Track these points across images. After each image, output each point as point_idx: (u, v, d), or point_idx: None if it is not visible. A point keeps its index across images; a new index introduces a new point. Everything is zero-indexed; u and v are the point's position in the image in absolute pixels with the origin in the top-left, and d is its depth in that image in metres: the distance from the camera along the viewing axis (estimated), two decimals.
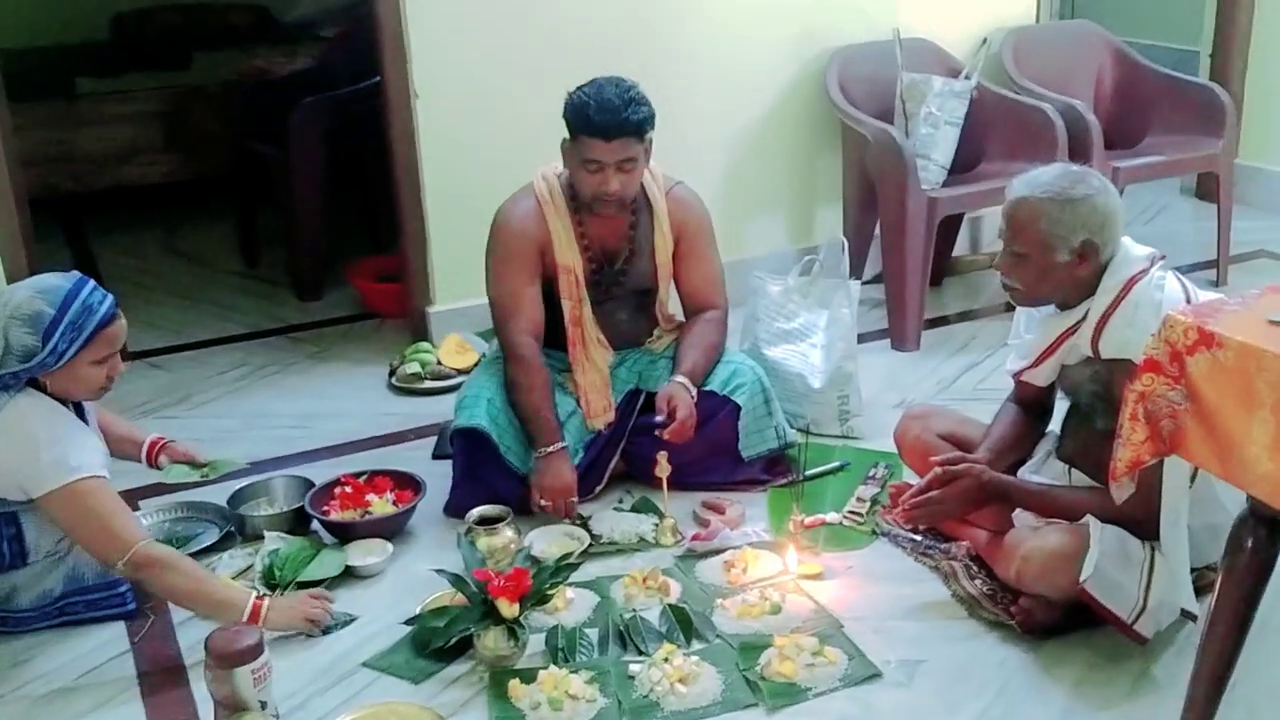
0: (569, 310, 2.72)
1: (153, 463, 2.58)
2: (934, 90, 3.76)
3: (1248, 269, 4.20)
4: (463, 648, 2.21)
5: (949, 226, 3.99)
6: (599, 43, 3.58)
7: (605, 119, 2.51)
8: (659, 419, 2.67)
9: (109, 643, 2.32)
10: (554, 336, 2.75)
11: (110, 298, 2.24)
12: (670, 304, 2.90)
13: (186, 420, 3.29)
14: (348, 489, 2.67)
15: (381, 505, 2.64)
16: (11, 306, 2.16)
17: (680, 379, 2.69)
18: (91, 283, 2.23)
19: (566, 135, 2.62)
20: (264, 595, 2.28)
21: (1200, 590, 2.13)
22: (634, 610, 2.33)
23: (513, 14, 3.52)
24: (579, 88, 2.60)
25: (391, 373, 3.53)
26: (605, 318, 2.78)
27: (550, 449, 2.62)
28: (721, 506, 2.68)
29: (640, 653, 2.21)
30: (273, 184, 4.37)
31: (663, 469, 2.63)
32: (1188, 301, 2.08)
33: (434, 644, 2.20)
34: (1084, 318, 2.17)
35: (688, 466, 2.71)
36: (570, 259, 2.71)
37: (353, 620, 2.35)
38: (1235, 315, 1.62)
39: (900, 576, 2.45)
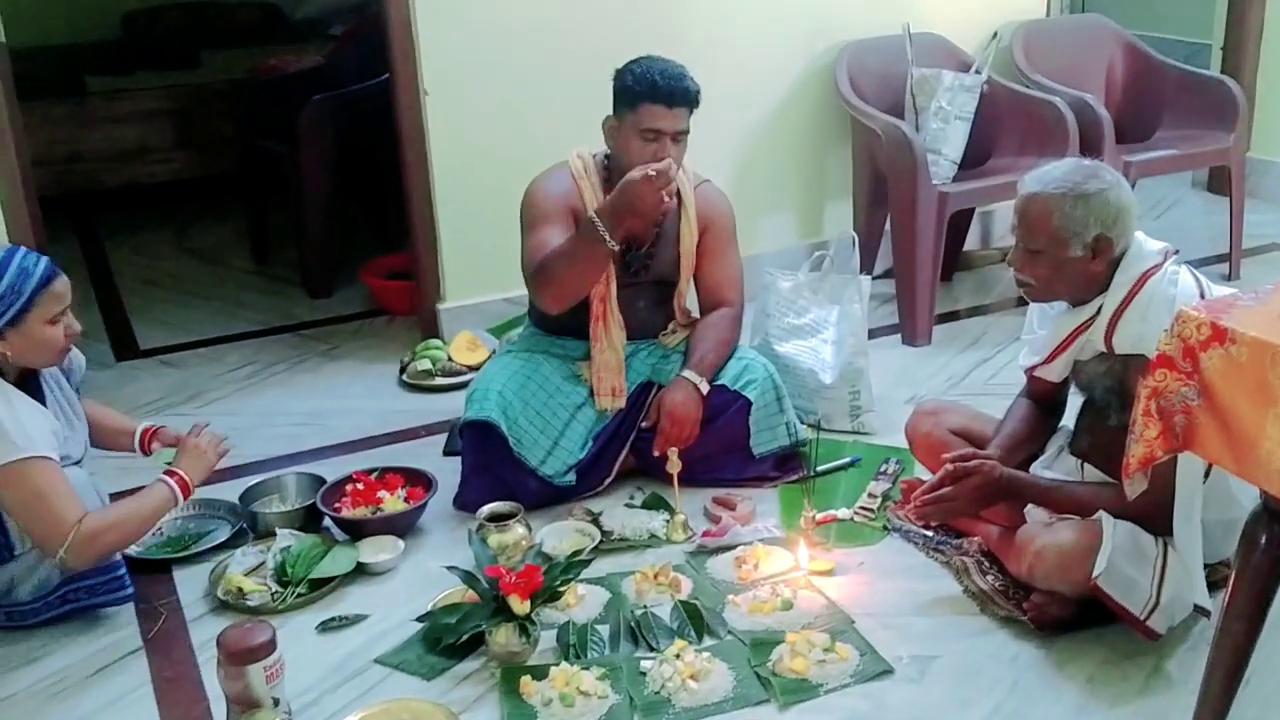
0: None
1: (146, 451, 2.60)
2: (944, 85, 3.75)
3: (1260, 262, 4.19)
4: (474, 644, 2.21)
5: (960, 221, 3.99)
6: (608, 40, 3.56)
7: (671, 85, 2.58)
8: (644, 424, 2.70)
9: (121, 640, 2.33)
10: (572, 324, 2.75)
11: (46, 259, 2.28)
12: (689, 298, 2.90)
13: (197, 418, 3.27)
14: (359, 486, 2.68)
15: (393, 502, 2.65)
16: None
17: (687, 373, 2.70)
18: (24, 249, 2.27)
19: (611, 114, 2.65)
20: (171, 470, 2.39)
21: (1214, 586, 2.12)
22: (645, 607, 2.33)
23: (521, 11, 3.51)
24: (630, 63, 2.64)
25: (402, 370, 3.53)
26: (625, 305, 2.78)
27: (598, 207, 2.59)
28: (732, 503, 2.68)
29: (652, 649, 2.21)
30: (283, 182, 4.37)
31: (674, 465, 2.63)
32: (1201, 296, 2.07)
33: (446, 641, 2.20)
34: (1097, 313, 2.16)
35: (699, 463, 2.71)
36: None
37: (364, 618, 2.36)
38: (1248, 311, 1.62)
39: (912, 572, 2.45)
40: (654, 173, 2.47)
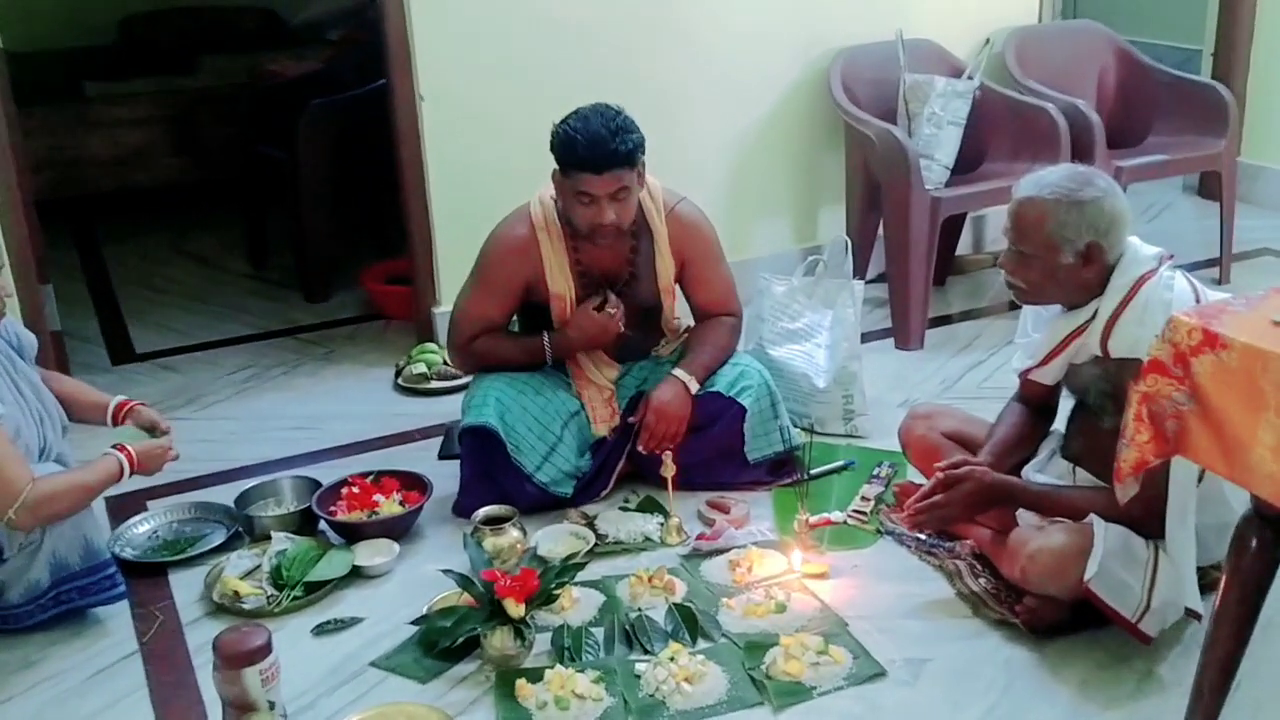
0: None
1: (118, 425, 2.57)
2: (937, 90, 3.77)
3: (1251, 267, 4.21)
4: (470, 647, 2.22)
5: (952, 226, 4.01)
6: (603, 47, 3.59)
7: (594, 153, 2.47)
8: (631, 420, 2.70)
9: (118, 644, 2.33)
10: None
11: None
12: (681, 308, 2.88)
13: (195, 422, 3.30)
14: (355, 489, 2.68)
15: (389, 506, 2.65)
16: None
17: (678, 372, 2.70)
18: None
19: (557, 167, 2.60)
20: (119, 444, 2.38)
21: (1206, 589, 2.13)
22: (640, 610, 2.34)
23: (518, 18, 3.52)
24: (564, 121, 2.55)
25: (398, 373, 3.54)
26: None
27: (556, 331, 2.72)
28: (726, 506, 2.69)
29: (646, 652, 2.21)
30: (280, 186, 4.38)
31: (668, 469, 2.64)
32: (1196, 301, 2.08)
33: (441, 644, 2.21)
34: (1093, 317, 2.17)
35: (693, 468, 2.72)
36: (562, 286, 2.70)
37: (359, 621, 2.36)
38: (1239, 316, 1.63)
39: (905, 575, 2.46)
40: (595, 313, 2.65)
